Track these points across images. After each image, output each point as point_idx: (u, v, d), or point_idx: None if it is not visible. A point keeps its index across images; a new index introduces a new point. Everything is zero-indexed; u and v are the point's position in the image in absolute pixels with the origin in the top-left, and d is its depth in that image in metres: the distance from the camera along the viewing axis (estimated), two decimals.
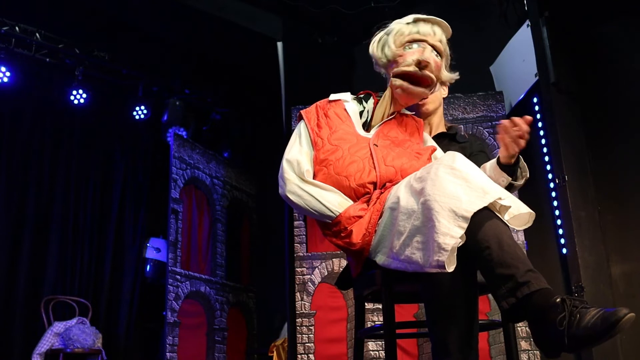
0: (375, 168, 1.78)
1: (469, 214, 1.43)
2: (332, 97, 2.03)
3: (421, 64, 1.83)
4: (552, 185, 3.69)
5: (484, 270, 1.47)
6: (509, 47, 4.16)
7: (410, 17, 1.92)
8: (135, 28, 5.53)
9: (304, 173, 1.83)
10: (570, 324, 1.31)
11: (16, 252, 5.53)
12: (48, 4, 5.25)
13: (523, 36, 3.92)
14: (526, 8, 3.86)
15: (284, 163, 1.87)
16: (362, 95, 2.05)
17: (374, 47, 1.98)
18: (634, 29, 3.45)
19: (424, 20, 1.90)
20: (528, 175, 1.92)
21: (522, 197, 3.71)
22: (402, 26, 1.91)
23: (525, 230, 3.76)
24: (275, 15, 5.08)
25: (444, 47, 1.91)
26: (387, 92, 1.98)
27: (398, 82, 1.87)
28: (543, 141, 3.80)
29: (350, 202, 1.78)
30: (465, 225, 1.43)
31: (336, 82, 4.99)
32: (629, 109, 3.44)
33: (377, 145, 1.85)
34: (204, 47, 5.76)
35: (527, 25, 3.86)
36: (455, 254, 1.43)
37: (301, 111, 2.01)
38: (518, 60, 4.04)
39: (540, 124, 3.85)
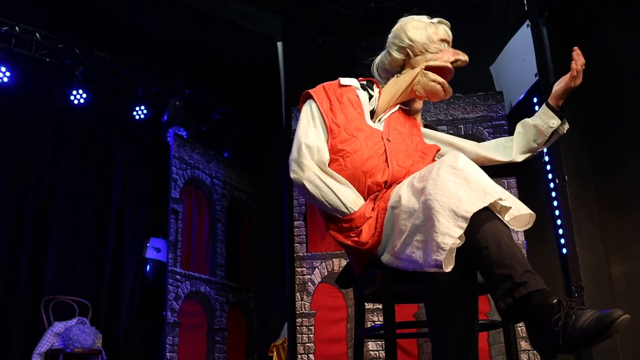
0: (388, 167, 1.78)
1: (469, 214, 1.43)
2: (343, 81, 1.97)
3: (459, 66, 1.91)
4: (552, 185, 3.69)
5: (482, 271, 1.47)
6: (509, 47, 4.16)
7: (435, 19, 1.97)
8: (135, 28, 5.52)
9: (325, 163, 1.79)
10: (566, 325, 1.31)
11: (16, 252, 5.52)
12: (48, 4, 5.25)
13: (523, 36, 3.92)
14: (526, 8, 3.86)
15: (304, 148, 1.80)
16: (365, 82, 2.02)
17: (407, 26, 1.95)
18: (633, 29, 3.44)
19: (444, 23, 1.97)
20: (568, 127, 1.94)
21: (522, 197, 3.72)
22: (434, 24, 1.95)
23: (525, 230, 3.75)
24: (275, 15, 5.07)
25: None
26: (402, 82, 1.94)
27: (440, 79, 1.89)
28: None
29: (363, 201, 1.76)
30: (465, 225, 1.43)
31: None
32: (629, 109, 3.44)
33: (389, 141, 1.83)
34: (204, 47, 5.75)
35: (527, 25, 3.85)
36: (454, 254, 1.43)
37: (309, 90, 1.94)
38: (518, 60, 4.04)
39: None
